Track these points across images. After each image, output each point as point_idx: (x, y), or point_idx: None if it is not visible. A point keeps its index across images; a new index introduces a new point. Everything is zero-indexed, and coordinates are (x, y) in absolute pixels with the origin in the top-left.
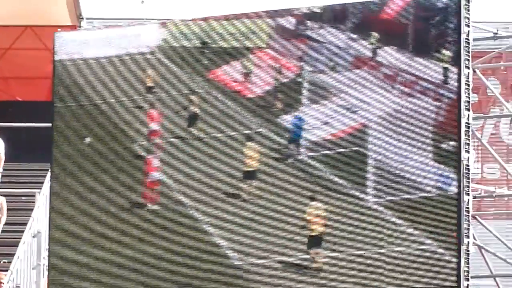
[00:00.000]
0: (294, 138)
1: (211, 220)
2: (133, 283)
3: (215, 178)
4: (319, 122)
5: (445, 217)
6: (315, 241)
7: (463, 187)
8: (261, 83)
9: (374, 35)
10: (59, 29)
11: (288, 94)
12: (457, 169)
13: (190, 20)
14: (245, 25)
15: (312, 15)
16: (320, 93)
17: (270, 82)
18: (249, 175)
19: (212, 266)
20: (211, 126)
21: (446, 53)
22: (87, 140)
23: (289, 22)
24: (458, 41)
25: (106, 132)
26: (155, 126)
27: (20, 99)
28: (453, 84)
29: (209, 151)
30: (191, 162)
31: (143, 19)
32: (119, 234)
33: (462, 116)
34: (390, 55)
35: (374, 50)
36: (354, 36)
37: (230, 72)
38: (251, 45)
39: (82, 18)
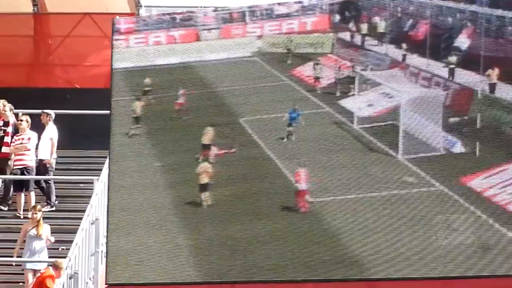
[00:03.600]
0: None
1: None
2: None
3: None
4: (365, 104)
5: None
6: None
7: None
8: (326, 78)
9: (404, 46)
10: (117, 16)
11: (344, 85)
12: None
13: (278, 34)
14: (316, 38)
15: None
16: (367, 84)
17: (332, 77)
18: None
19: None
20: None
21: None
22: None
23: (346, 36)
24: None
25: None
26: None
27: (78, 86)
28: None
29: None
30: None
31: (200, 6)
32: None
33: None
34: (414, 60)
35: (404, 56)
36: (391, 46)
37: (305, 70)
38: (320, 51)
39: (141, 6)
